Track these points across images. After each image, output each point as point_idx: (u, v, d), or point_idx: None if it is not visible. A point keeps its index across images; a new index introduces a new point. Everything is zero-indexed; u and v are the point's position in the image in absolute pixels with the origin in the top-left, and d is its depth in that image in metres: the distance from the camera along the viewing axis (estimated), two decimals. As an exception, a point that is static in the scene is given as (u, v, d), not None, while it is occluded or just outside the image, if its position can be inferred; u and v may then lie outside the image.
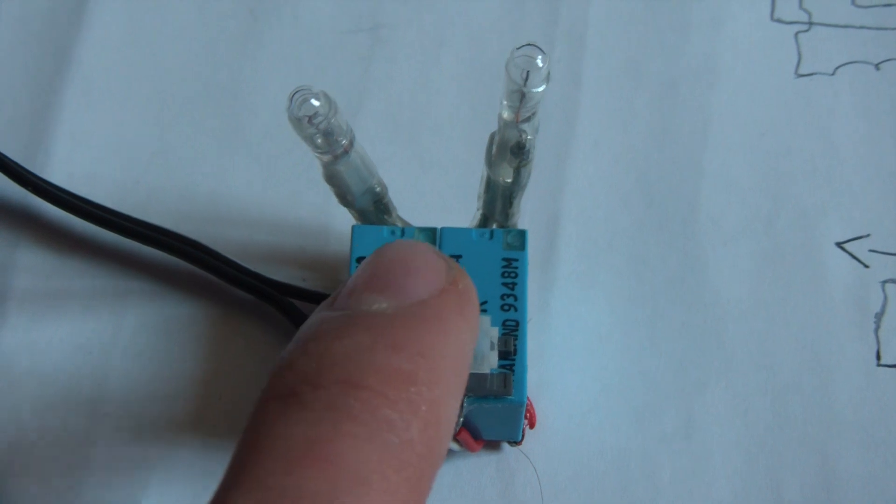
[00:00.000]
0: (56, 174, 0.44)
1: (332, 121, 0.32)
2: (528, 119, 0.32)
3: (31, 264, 0.43)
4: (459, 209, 0.40)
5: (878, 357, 0.41)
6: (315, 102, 0.31)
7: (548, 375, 0.41)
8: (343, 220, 0.38)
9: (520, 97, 0.31)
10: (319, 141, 0.33)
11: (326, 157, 0.34)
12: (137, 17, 0.48)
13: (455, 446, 0.37)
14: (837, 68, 0.47)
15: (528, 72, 0.30)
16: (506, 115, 0.32)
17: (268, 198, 0.44)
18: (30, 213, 0.44)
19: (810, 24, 0.48)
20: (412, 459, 0.23)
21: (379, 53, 0.47)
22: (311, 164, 0.36)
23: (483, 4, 0.48)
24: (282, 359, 0.24)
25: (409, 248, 0.26)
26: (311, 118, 0.32)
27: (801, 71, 0.47)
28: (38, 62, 0.47)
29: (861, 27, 0.48)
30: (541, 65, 0.30)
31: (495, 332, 0.33)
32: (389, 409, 0.22)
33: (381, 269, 0.25)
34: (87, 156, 0.45)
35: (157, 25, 0.48)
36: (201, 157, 0.45)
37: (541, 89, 0.31)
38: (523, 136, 0.33)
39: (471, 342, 0.26)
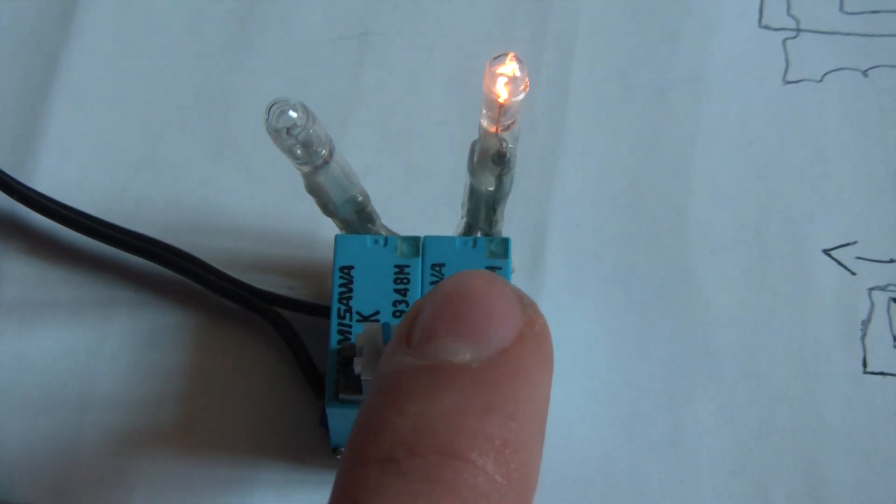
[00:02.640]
0: (43, 183, 0.44)
1: (311, 131, 0.32)
2: (507, 128, 0.32)
3: (18, 273, 0.43)
4: (448, 216, 0.40)
5: (865, 364, 0.41)
6: (293, 114, 0.31)
7: (535, 384, 0.41)
8: (330, 229, 0.38)
9: (498, 107, 0.31)
10: (299, 152, 0.33)
11: (307, 168, 0.34)
12: (126, 26, 0.48)
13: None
14: (825, 75, 0.47)
15: (505, 81, 0.30)
16: (485, 124, 0.32)
17: (255, 207, 0.44)
18: (16, 223, 0.44)
19: (798, 30, 0.48)
20: None
21: (368, 60, 0.47)
22: (298, 173, 0.36)
23: (473, 12, 0.48)
24: (371, 412, 0.24)
25: (485, 286, 0.25)
26: (289, 129, 0.32)
27: (789, 78, 0.47)
28: (26, 70, 0.47)
29: (849, 34, 0.48)
30: (518, 74, 0.30)
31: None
32: (486, 482, 0.22)
33: (460, 312, 0.25)
34: (75, 164, 0.45)
35: (145, 34, 0.48)
36: (189, 165, 0.45)
37: (519, 99, 0.31)
38: (503, 144, 0.33)
39: (549, 391, 0.26)
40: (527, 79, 0.31)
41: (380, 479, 0.22)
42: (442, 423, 0.23)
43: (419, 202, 0.44)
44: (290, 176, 0.35)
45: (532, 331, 0.25)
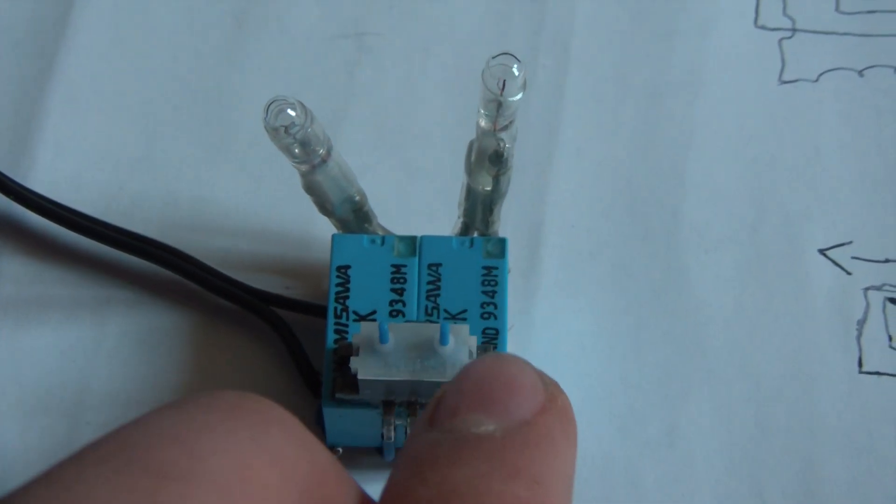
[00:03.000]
0: (39, 182, 0.44)
1: (309, 130, 0.32)
2: (505, 128, 0.32)
3: (14, 273, 0.43)
4: (444, 216, 0.40)
5: (861, 364, 0.41)
6: (291, 112, 0.31)
7: (531, 384, 0.41)
8: (326, 229, 0.38)
9: (496, 106, 0.31)
10: (297, 151, 0.33)
11: (304, 167, 0.34)
12: (123, 25, 0.48)
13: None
14: (821, 75, 0.47)
15: (504, 81, 0.30)
16: (483, 123, 0.32)
17: (252, 206, 0.44)
18: (12, 222, 0.43)
19: (794, 30, 0.48)
20: None
21: (364, 60, 0.47)
22: (295, 173, 0.36)
23: (469, 12, 0.48)
24: (395, 485, 0.23)
25: (506, 365, 0.25)
26: (287, 128, 0.32)
27: (785, 78, 0.47)
28: (23, 69, 0.47)
29: (845, 34, 0.48)
30: (517, 73, 0.31)
31: (473, 341, 0.33)
32: None
33: (482, 388, 0.24)
34: (71, 163, 0.45)
35: (142, 33, 0.48)
36: (186, 165, 0.45)
37: (517, 98, 0.31)
38: (501, 144, 0.33)
39: (574, 461, 0.25)
40: (525, 78, 0.31)
41: None
42: (467, 487, 0.22)
43: (416, 202, 0.44)
44: (286, 175, 0.35)
45: (555, 405, 0.24)
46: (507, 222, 0.43)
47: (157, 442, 0.19)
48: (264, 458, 0.20)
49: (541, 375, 0.25)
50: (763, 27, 0.48)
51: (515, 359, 0.25)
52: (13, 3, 0.48)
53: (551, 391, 0.25)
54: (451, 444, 0.23)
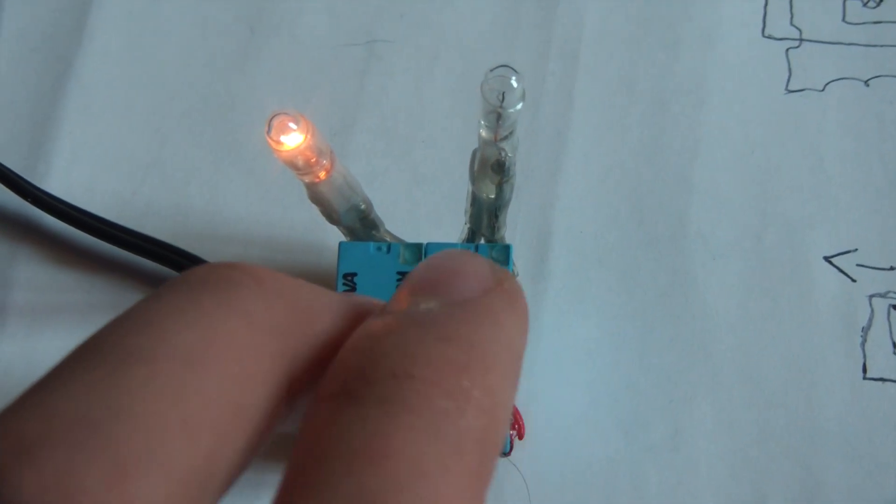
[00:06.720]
0: (55, 186, 0.44)
1: (312, 143, 0.32)
2: (506, 138, 0.32)
3: (30, 274, 0.43)
4: (451, 222, 0.40)
5: (865, 370, 0.41)
6: (293, 126, 0.32)
7: (537, 388, 0.41)
8: (335, 235, 0.39)
9: (496, 117, 0.31)
10: (300, 163, 0.33)
11: (308, 179, 0.34)
12: (137, 32, 0.48)
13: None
14: (827, 84, 0.47)
15: (503, 92, 0.31)
16: (484, 134, 0.33)
17: (262, 212, 0.44)
18: (29, 224, 0.44)
19: (801, 40, 0.48)
20: (470, 448, 0.21)
21: (374, 68, 0.48)
22: (302, 182, 0.36)
23: (477, 20, 0.49)
24: (334, 360, 0.23)
25: (451, 254, 0.25)
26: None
27: (792, 87, 0.47)
28: (40, 76, 0.47)
29: (851, 44, 0.48)
30: (515, 85, 0.31)
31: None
32: (444, 399, 0.21)
33: (427, 274, 0.24)
34: (86, 168, 0.45)
35: (156, 40, 0.48)
36: (198, 170, 0.45)
37: (516, 109, 0.31)
38: (502, 154, 0.33)
39: (521, 336, 0.25)
40: (524, 89, 0.31)
41: (335, 410, 0.21)
42: (396, 350, 0.22)
43: (424, 208, 0.45)
44: (296, 182, 0.36)
45: (501, 287, 0.24)
46: (516, 228, 0.43)
47: (127, 329, 0.19)
48: (232, 320, 0.20)
49: (490, 264, 0.25)
50: (770, 37, 0.48)
51: (464, 251, 0.25)
52: (31, 11, 0.49)
53: (499, 275, 0.25)
54: (388, 320, 0.23)
